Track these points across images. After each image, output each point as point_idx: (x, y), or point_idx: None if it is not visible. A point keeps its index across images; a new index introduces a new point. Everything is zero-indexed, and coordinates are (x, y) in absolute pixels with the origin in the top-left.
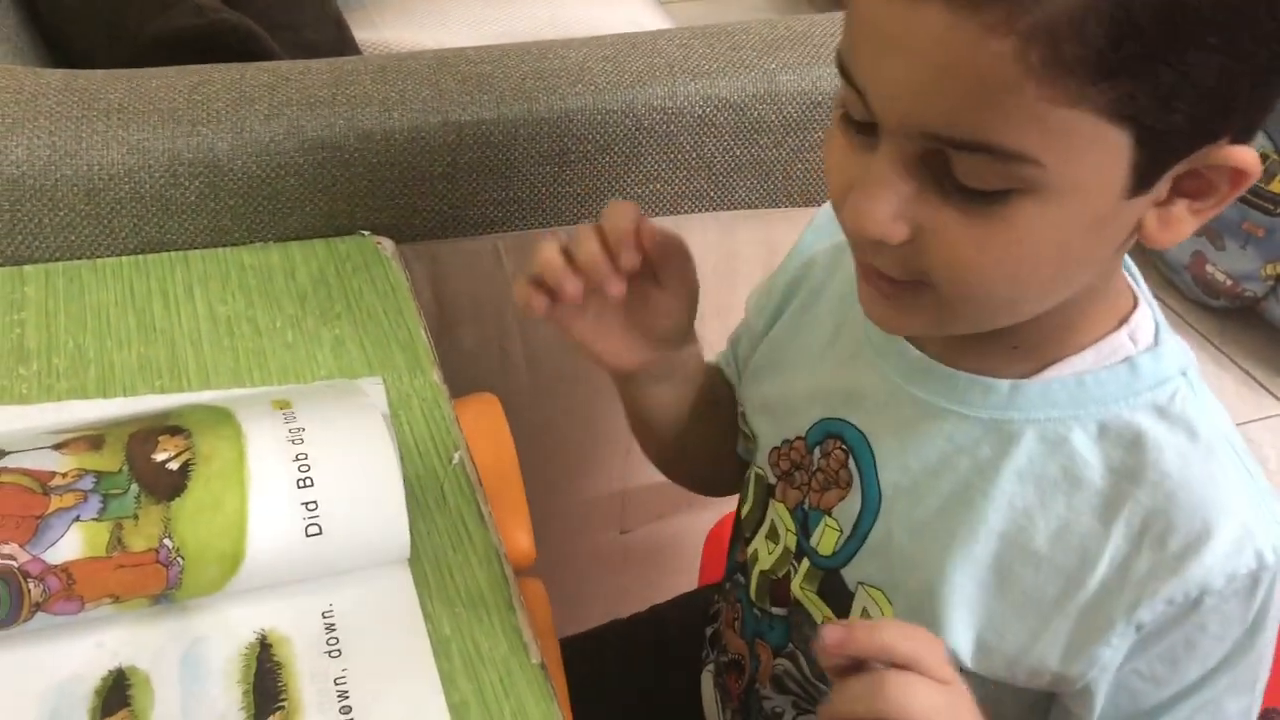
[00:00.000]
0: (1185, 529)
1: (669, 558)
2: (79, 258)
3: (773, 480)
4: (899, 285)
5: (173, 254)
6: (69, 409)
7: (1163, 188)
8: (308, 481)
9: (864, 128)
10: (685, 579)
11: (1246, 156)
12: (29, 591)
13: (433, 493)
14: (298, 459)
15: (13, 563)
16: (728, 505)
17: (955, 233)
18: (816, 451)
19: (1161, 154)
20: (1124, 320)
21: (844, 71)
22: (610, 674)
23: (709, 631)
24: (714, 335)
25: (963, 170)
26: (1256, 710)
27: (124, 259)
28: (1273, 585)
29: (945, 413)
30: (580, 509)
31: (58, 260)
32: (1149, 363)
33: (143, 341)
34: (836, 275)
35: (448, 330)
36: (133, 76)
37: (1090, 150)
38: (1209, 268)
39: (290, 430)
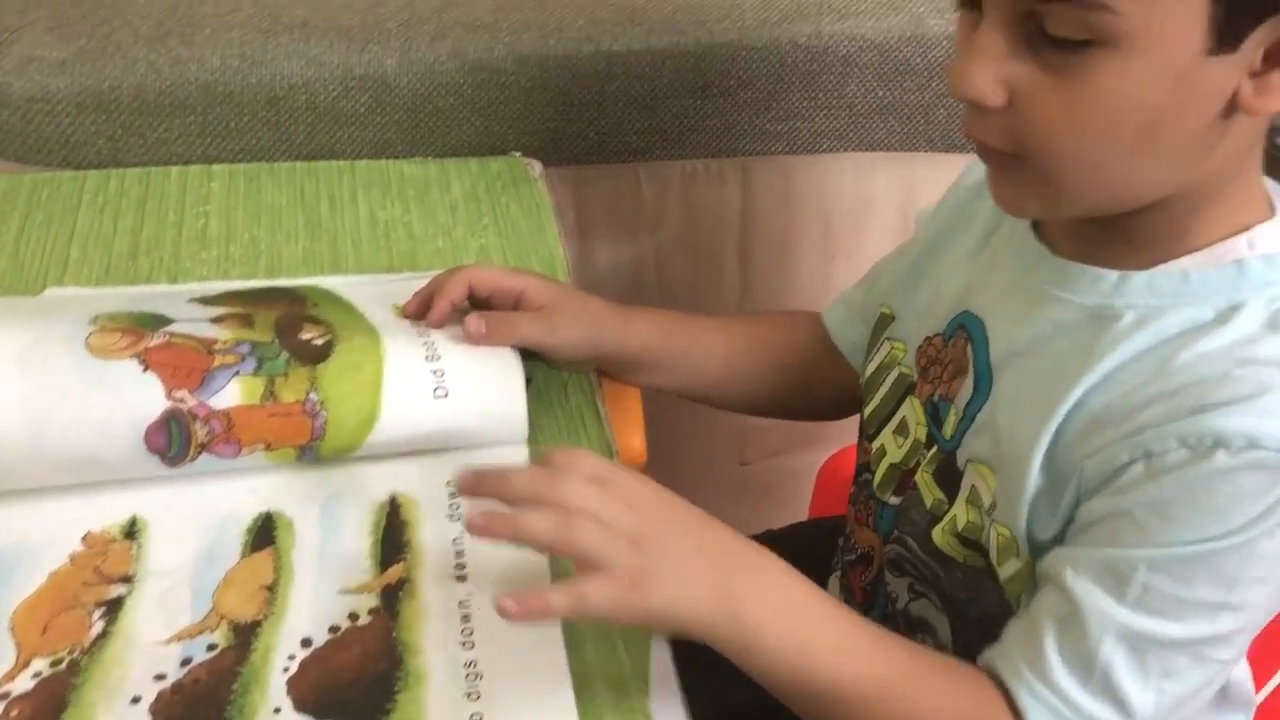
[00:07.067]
0: (1229, 391)
1: (788, 493)
2: (259, 160)
3: (915, 378)
4: (1003, 158)
5: (341, 162)
6: (215, 285)
7: (1255, 56)
8: (436, 356)
9: (971, 5)
10: (803, 514)
11: None
12: (196, 432)
13: (556, 391)
14: (425, 344)
15: (184, 405)
16: (848, 438)
17: (1044, 94)
18: (950, 344)
19: (1237, 8)
20: (1246, 228)
21: None
22: None
23: (840, 541)
24: (841, 275)
25: (1051, 22)
26: (1237, 645)
27: (298, 164)
28: None
29: (1054, 299)
30: (702, 437)
31: (240, 162)
32: (1259, 266)
33: (309, 238)
34: None
35: (586, 250)
36: None
37: (1166, 2)
38: None
39: (416, 325)
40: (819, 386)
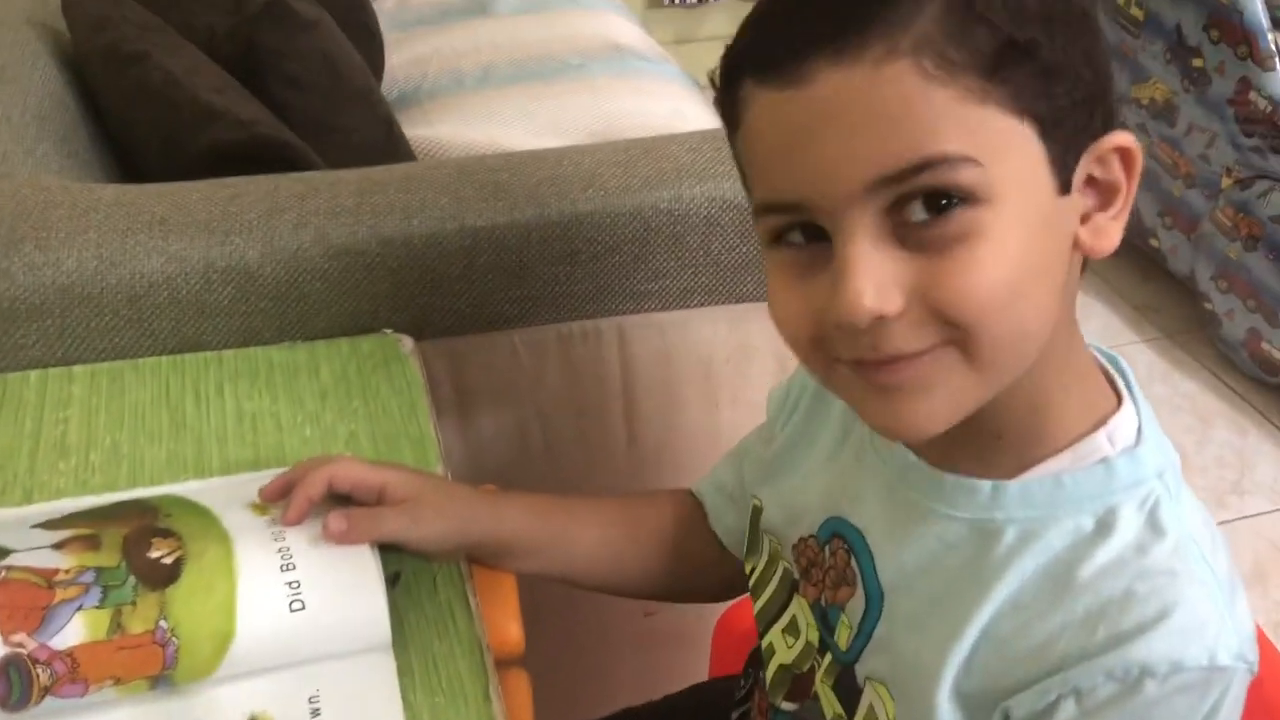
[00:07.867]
0: (1138, 614)
1: (697, 639)
2: (122, 358)
3: (797, 576)
4: (921, 359)
5: (208, 354)
6: (64, 505)
7: (1082, 202)
8: (291, 565)
9: (811, 238)
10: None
11: (1125, 136)
12: (38, 676)
13: (425, 584)
14: (280, 551)
15: (22, 650)
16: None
17: (943, 270)
18: (826, 550)
19: (1065, 144)
20: (1102, 422)
21: (770, 208)
22: None
23: (734, 715)
24: (726, 424)
25: (923, 191)
26: None
27: (163, 359)
28: (1225, 693)
29: (933, 513)
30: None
31: (103, 361)
32: (1125, 464)
33: (173, 438)
34: None
35: (468, 419)
36: (176, 190)
37: (1010, 147)
38: (1265, 345)
39: (272, 526)
40: (703, 569)
